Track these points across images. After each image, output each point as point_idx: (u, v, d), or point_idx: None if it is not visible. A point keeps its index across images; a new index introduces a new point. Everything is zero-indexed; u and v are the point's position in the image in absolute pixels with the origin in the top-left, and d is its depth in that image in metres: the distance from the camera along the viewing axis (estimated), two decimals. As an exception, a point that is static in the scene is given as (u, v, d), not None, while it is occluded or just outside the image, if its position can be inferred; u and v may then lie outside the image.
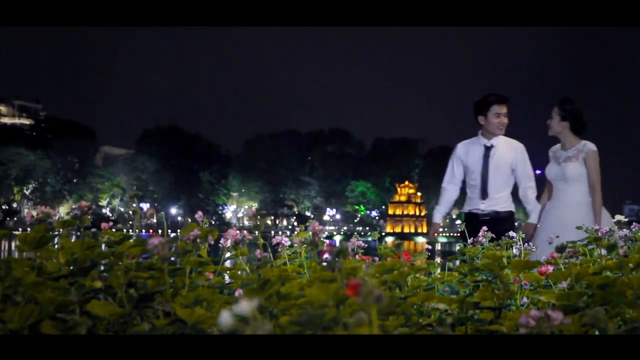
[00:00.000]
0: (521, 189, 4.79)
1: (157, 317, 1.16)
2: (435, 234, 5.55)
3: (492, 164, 4.74)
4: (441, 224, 5.52)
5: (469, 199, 4.89)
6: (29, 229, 1.32)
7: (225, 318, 0.59)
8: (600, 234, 1.93)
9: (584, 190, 4.52)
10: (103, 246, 1.44)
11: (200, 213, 1.97)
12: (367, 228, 74.90)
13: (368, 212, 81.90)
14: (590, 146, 4.55)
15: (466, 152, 4.89)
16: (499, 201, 4.72)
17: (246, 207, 73.49)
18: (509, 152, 4.76)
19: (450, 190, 5.06)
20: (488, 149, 4.77)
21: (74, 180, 62.02)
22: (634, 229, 2.81)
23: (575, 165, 4.53)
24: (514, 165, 4.75)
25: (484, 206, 4.73)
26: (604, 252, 1.59)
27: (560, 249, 1.42)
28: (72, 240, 1.38)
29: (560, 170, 4.59)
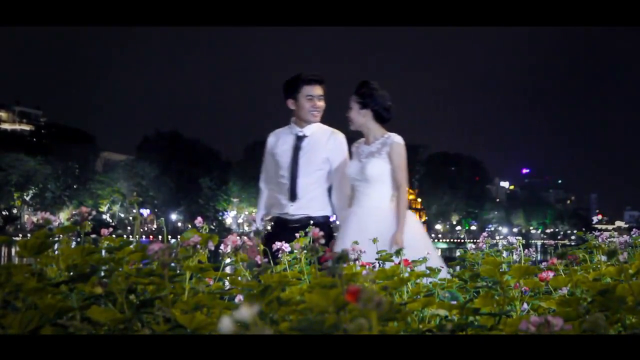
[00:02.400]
0: (334, 191, 3.93)
1: (157, 323, 1.16)
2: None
3: (303, 157, 3.90)
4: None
5: (277, 200, 3.96)
6: (29, 235, 1.32)
7: (226, 324, 0.59)
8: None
9: (389, 192, 3.72)
10: (103, 252, 1.44)
11: (200, 219, 1.97)
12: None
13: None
14: (395, 138, 3.74)
15: (276, 143, 4.04)
16: (312, 204, 3.87)
17: (246, 212, 73.42)
18: (324, 143, 3.92)
19: (266, 191, 4.10)
20: (299, 139, 3.93)
21: (74, 186, 62.00)
22: (634, 235, 2.81)
23: (378, 162, 3.70)
24: (331, 159, 3.91)
25: (294, 210, 3.85)
26: (604, 258, 1.59)
27: (561, 255, 1.42)
28: (72, 246, 1.38)
29: (360, 168, 3.73)
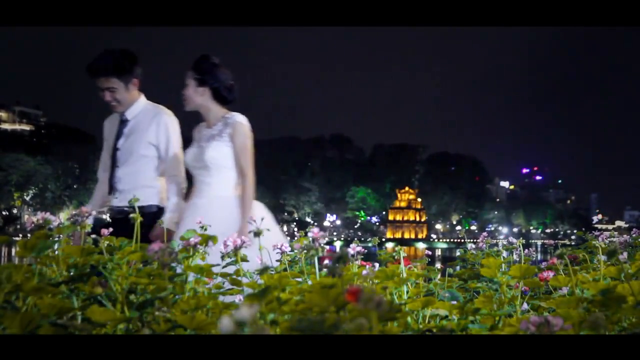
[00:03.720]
0: (166, 179, 3.52)
1: (157, 323, 1.16)
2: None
3: (124, 144, 3.53)
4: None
5: (105, 191, 3.62)
6: (29, 235, 1.32)
7: (226, 324, 0.59)
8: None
9: (234, 180, 3.32)
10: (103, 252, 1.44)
11: (200, 219, 1.97)
12: (368, 234, 74.90)
13: (368, 218, 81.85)
14: (238, 117, 3.34)
15: (107, 129, 3.69)
16: (137, 194, 3.30)
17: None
18: (147, 126, 3.52)
19: (101, 181, 3.69)
20: (122, 123, 3.56)
21: (74, 186, 62.00)
22: (634, 235, 2.81)
23: (219, 146, 3.30)
24: (156, 143, 3.50)
25: (117, 201, 3.47)
26: (604, 258, 1.59)
27: (560, 255, 1.42)
28: (72, 246, 1.39)
29: (199, 154, 3.33)
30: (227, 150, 3.29)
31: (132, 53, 3.56)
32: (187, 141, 3.51)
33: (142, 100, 3.60)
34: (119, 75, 3.45)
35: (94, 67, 3.45)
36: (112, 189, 3.52)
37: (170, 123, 3.52)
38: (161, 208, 3.45)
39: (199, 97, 3.36)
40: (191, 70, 3.36)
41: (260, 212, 3.22)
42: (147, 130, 3.50)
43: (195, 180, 3.40)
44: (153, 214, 3.36)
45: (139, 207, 3.26)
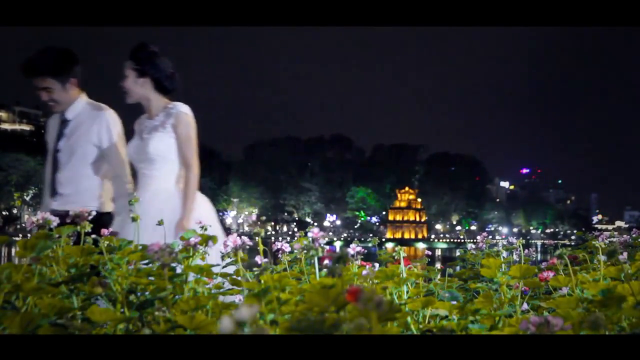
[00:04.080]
0: (111, 180, 3.42)
1: (157, 323, 1.16)
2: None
3: (64, 146, 3.39)
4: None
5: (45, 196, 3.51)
6: (29, 235, 1.32)
7: (226, 324, 0.59)
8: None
9: (178, 172, 3.19)
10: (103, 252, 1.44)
11: (200, 219, 1.97)
12: (366, 235, 74.93)
13: (368, 218, 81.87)
14: (181, 107, 3.21)
15: (48, 129, 3.56)
16: (80, 198, 3.33)
17: (246, 213, 73.49)
18: (89, 125, 3.38)
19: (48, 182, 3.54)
20: (63, 124, 3.42)
21: (74, 186, 62.02)
22: (634, 235, 2.81)
23: (162, 138, 3.16)
24: (98, 142, 3.37)
25: (57, 205, 3.31)
26: (604, 258, 1.59)
27: (560, 255, 1.42)
28: (72, 246, 1.39)
29: (142, 147, 3.19)
30: (171, 141, 3.17)
31: (70, 52, 3.44)
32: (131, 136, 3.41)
33: (83, 99, 3.47)
34: (54, 75, 3.32)
35: (27, 67, 3.33)
36: (53, 192, 3.37)
37: (112, 121, 3.40)
38: (101, 214, 3.28)
39: (139, 88, 3.22)
40: (129, 61, 3.21)
41: (204, 205, 3.20)
42: (88, 130, 3.37)
43: (138, 174, 3.27)
44: (91, 221, 3.20)
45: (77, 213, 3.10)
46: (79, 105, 3.43)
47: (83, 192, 3.33)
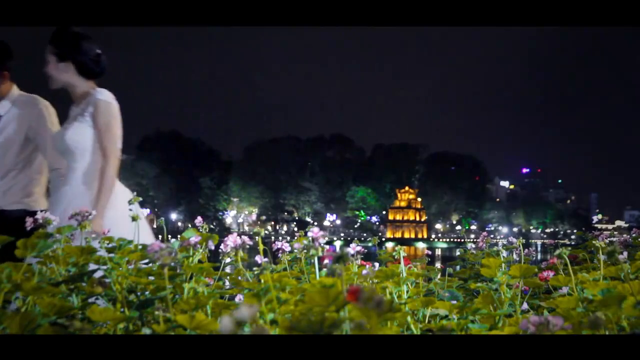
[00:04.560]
0: (49, 174, 3.28)
1: (157, 323, 1.16)
2: None
3: None
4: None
5: None
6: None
7: (226, 324, 0.59)
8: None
9: (99, 164, 2.90)
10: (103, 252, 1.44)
11: (200, 218, 1.97)
12: (366, 234, 74.96)
13: (368, 217, 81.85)
14: (101, 94, 2.93)
15: None
16: (7, 197, 3.18)
17: (246, 212, 73.51)
18: (21, 119, 3.23)
19: None
20: None
21: (74, 186, 62.02)
22: (634, 235, 2.81)
23: (81, 127, 2.89)
24: (33, 136, 3.21)
25: None
26: (604, 258, 1.59)
27: (560, 255, 1.41)
28: (72, 246, 1.38)
29: (61, 137, 2.94)
30: (89, 131, 2.90)
31: (3, 45, 3.32)
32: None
33: (14, 92, 3.34)
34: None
35: None
36: None
37: (46, 113, 3.25)
38: (29, 212, 2.96)
39: (62, 73, 2.98)
40: (50, 45, 2.98)
41: (125, 197, 2.79)
42: (21, 123, 3.22)
43: (66, 168, 3.03)
44: (20, 218, 2.98)
45: (8, 211, 3.03)
46: (11, 98, 3.31)
47: (10, 192, 3.19)
